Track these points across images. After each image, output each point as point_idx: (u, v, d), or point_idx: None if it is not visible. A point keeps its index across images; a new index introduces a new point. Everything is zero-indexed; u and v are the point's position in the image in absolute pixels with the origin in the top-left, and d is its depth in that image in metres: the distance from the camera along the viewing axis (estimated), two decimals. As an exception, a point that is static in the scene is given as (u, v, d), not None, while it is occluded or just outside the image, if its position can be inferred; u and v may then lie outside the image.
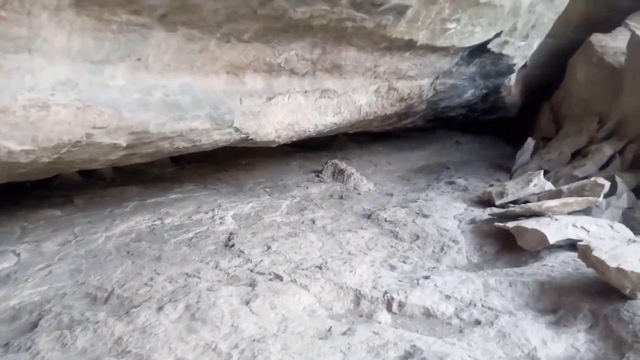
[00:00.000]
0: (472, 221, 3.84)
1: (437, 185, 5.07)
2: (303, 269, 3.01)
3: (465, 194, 4.64)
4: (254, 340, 2.23)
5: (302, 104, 4.43)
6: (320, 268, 3.01)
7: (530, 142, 5.71)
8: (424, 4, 3.99)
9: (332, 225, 3.87)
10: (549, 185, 4.17)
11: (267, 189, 5.05)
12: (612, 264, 2.35)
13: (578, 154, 5.13)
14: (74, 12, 2.51)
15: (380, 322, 2.48)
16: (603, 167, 4.69)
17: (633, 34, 5.09)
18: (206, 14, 3.03)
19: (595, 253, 2.46)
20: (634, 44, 4.99)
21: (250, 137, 4.08)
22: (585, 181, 3.85)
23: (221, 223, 3.93)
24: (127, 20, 2.74)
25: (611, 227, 3.26)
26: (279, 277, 2.90)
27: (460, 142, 7.24)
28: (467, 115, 7.00)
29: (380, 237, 3.63)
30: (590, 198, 3.56)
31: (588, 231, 3.16)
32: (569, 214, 3.51)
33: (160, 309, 2.48)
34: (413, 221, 3.83)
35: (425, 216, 3.92)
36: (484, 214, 3.95)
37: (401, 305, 2.60)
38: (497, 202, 4.13)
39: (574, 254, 2.91)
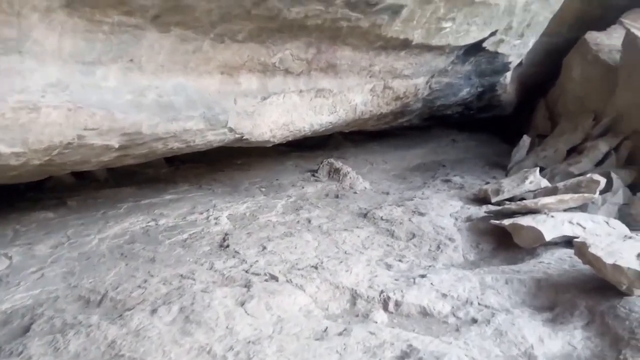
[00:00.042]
0: (468, 219, 3.83)
1: (433, 183, 5.06)
2: (299, 269, 2.99)
3: (461, 191, 4.63)
4: (249, 342, 2.21)
5: (297, 103, 4.41)
6: (316, 268, 2.99)
7: (525, 140, 5.71)
8: (419, 3, 3.98)
9: (328, 225, 3.85)
10: (544, 182, 4.17)
11: (263, 189, 5.03)
12: (609, 260, 2.34)
13: (574, 151, 5.14)
14: (65, 13, 2.48)
15: (376, 322, 2.46)
16: (599, 164, 4.69)
17: (628, 31, 5.10)
18: (199, 15, 3.01)
19: (592, 250, 2.45)
20: (629, 41, 4.99)
21: (244, 137, 4.06)
22: (581, 178, 3.86)
23: (216, 223, 3.90)
24: (119, 21, 2.71)
25: (607, 223, 3.26)
26: (274, 278, 2.88)
27: (456, 140, 7.25)
28: (463, 114, 7.00)
29: (377, 236, 3.61)
30: (586, 195, 3.56)
31: (584, 228, 3.15)
32: (564, 210, 3.51)
33: (154, 311, 2.46)
34: (409, 219, 3.82)
35: (421, 214, 3.91)
36: (480, 211, 3.94)
37: (397, 304, 2.59)
38: (493, 200, 4.12)
39: (570, 251, 2.90)
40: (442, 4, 4.17)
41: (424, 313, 2.53)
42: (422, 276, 2.83)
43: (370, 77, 4.91)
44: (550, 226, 3.15)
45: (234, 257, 3.23)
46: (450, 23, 4.52)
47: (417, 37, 4.45)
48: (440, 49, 4.95)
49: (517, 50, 5.76)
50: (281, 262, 3.10)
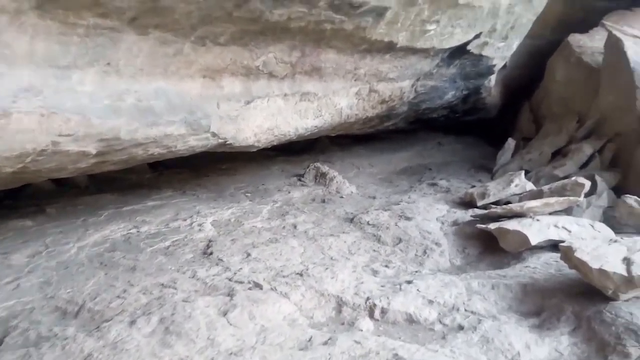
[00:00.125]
0: (455, 223, 3.81)
1: (419, 187, 5.04)
2: (283, 277, 2.93)
3: (447, 195, 4.62)
4: (231, 353, 2.15)
5: (281, 107, 4.36)
6: (301, 275, 2.94)
7: (510, 143, 5.73)
8: (402, 5, 3.96)
9: (314, 230, 3.80)
10: (530, 186, 4.17)
11: (248, 194, 4.96)
12: (595, 265, 2.32)
13: (558, 154, 5.16)
14: (36, 15, 2.39)
15: (362, 330, 2.42)
16: (583, 166, 4.71)
17: (610, 34, 5.15)
18: (179, 17, 2.94)
19: (578, 254, 2.44)
20: (611, 43, 5.04)
21: (228, 142, 3.99)
22: (566, 181, 3.86)
23: (200, 230, 3.82)
24: (95, 23, 2.63)
25: (592, 226, 3.26)
26: (258, 286, 2.82)
27: (442, 143, 7.25)
28: (448, 117, 7.01)
29: (363, 241, 3.57)
30: (571, 198, 3.56)
31: (569, 231, 3.15)
32: (550, 214, 3.51)
33: (132, 322, 2.38)
34: (396, 224, 3.79)
35: (407, 219, 3.88)
36: (466, 215, 3.92)
37: (383, 311, 2.54)
38: (479, 203, 4.11)
39: (556, 255, 2.89)
40: (426, 7, 4.15)
41: (410, 320, 2.50)
42: (409, 282, 2.80)
43: (355, 80, 4.87)
44: (536, 230, 3.15)
45: (217, 264, 3.16)
46: (435, 25, 4.51)
47: (401, 39, 4.43)
48: (425, 52, 4.94)
49: (501, 52, 5.78)
50: (266, 270, 3.04)
